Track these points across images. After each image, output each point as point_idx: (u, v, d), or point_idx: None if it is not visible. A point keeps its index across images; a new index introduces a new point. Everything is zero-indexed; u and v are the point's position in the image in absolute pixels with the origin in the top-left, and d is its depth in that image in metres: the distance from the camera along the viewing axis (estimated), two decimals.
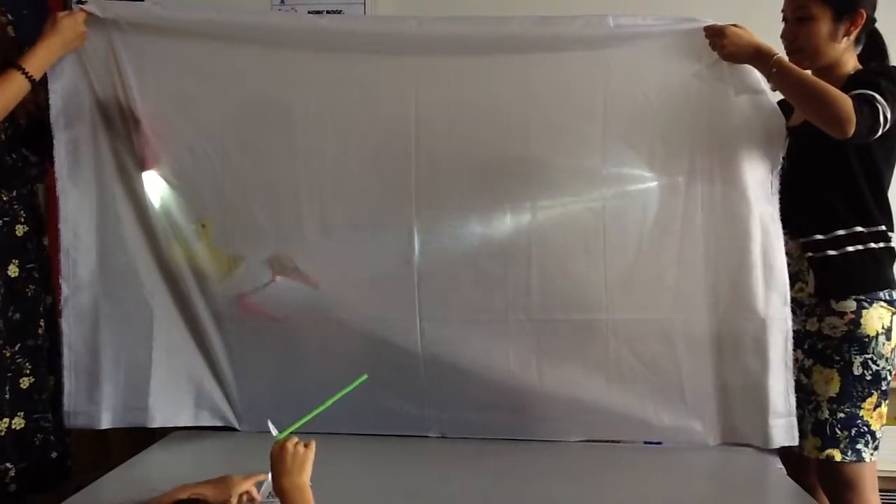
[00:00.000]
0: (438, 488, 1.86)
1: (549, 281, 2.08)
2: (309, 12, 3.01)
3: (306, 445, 1.46)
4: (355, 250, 2.13)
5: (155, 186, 2.09)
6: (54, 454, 2.05)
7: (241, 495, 1.59)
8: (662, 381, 2.08)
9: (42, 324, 2.05)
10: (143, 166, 2.08)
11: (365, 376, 1.62)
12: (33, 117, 2.03)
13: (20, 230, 2.00)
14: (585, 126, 2.04)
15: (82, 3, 2.00)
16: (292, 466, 1.41)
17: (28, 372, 2.00)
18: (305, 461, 1.42)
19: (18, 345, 1.98)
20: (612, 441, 2.16)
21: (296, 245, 2.14)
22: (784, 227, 2.01)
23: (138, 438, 2.23)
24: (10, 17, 2.00)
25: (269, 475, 1.47)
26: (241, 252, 2.14)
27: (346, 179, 2.10)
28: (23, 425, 1.97)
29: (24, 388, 1.99)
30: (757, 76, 1.94)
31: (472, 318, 2.11)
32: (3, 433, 1.92)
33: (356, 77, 2.06)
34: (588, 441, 2.15)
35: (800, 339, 2.02)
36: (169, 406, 2.14)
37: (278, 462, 1.42)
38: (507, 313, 2.09)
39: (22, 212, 2.01)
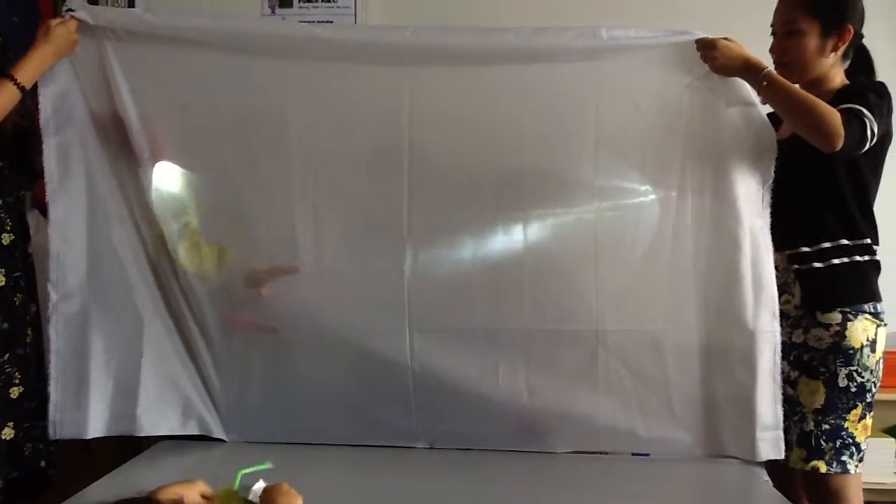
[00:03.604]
0: (426, 499, 1.86)
1: (541, 291, 2.08)
2: (299, 22, 3.01)
3: None
4: (347, 259, 2.11)
5: (146, 192, 2.07)
6: (43, 463, 2.04)
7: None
8: (651, 393, 2.08)
9: (29, 332, 2.03)
10: (135, 167, 2.06)
11: (268, 464, 1.71)
12: (18, 127, 2.01)
13: (6, 239, 1.99)
14: (578, 137, 2.05)
15: (72, 11, 1.99)
16: (288, 491, 1.50)
17: (18, 381, 1.98)
18: (298, 498, 1.51)
19: (7, 354, 1.97)
20: (600, 452, 2.16)
21: (288, 253, 2.12)
22: (771, 239, 2.02)
23: (124, 448, 2.20)
24: None
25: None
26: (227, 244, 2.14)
27: (339, 188, 2.09)
28: (12, 435, 1.96)
29: (14, 398, 1.97)
30: (748, 89, 1.95)
31: (462, 329, 2.11)
32: None
33: (350, 86, 2.05)
34: (576, 452, 2.14)
35: (786, 350, 2.03)
36: (157, 415, 2.11)
37: (275, 488, 1.52)
38: (497, 323, 2.09)
39: (8, 220, 2.00)
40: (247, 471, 1.67)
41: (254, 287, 2.15)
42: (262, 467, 1.72)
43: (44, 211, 2.06)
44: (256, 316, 2.17)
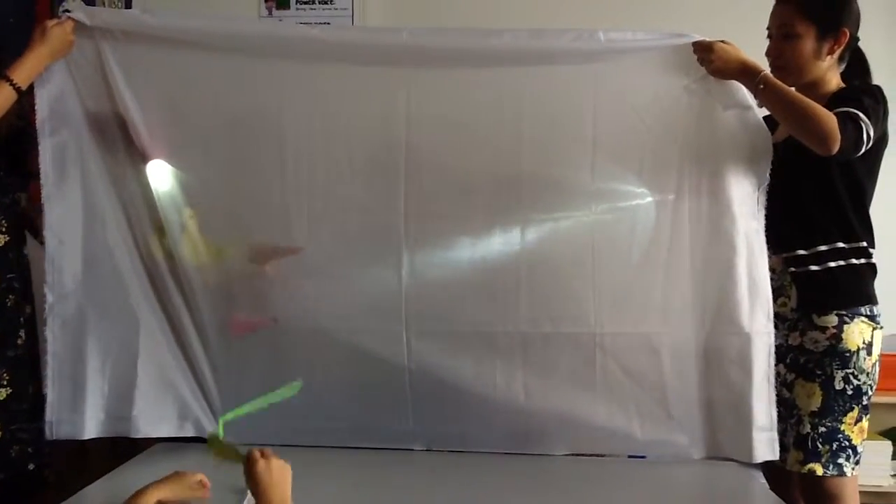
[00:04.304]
0: (423, 500, 1.86)
1: (538, 294, 2.08)
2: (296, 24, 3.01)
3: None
4: (344, 262, 2.12)
5: (142, 194, 2.08)
6: (32, 465, 2.03)
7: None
8: (648, 395, 2.09)
9: (22, 334, 2.02)
10: (131, 168, 2.07)
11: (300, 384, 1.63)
12: (14, 127, 2.01)
13: (1, 240, 1.98)
14: (575, 140, 2.05)
15: (69, 11, 1.99)
16: (280, 479, 1.43)
17: (5, 383, 1.97)
18: (285, 475, 1.44)
19: None
20: (597, 455, 2.16)
21: None
22: (767, 242, 2.02)
23: (118, 451, 2.20)
24: None
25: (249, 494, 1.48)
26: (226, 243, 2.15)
27: (336, 190, 2.09)
28: None
29: (2, 399, 1.96)
30: (744, 92, 1.95)
31: (459, 331, 2.11)
32: None
33: (347, 88, 2.06)
34: (573, 455, 2.15)
35: (782, 353, 2.03)
36: (153, 416, 2.11)
37: (264, 475, 1.42)
38: (494, 326, 2.09)
39: (3, 221, 1.99)
40: (228, 416, 1.66)
41: (258, 262, 2.15)
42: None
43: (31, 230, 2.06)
44: (256, 313, 2.17)
